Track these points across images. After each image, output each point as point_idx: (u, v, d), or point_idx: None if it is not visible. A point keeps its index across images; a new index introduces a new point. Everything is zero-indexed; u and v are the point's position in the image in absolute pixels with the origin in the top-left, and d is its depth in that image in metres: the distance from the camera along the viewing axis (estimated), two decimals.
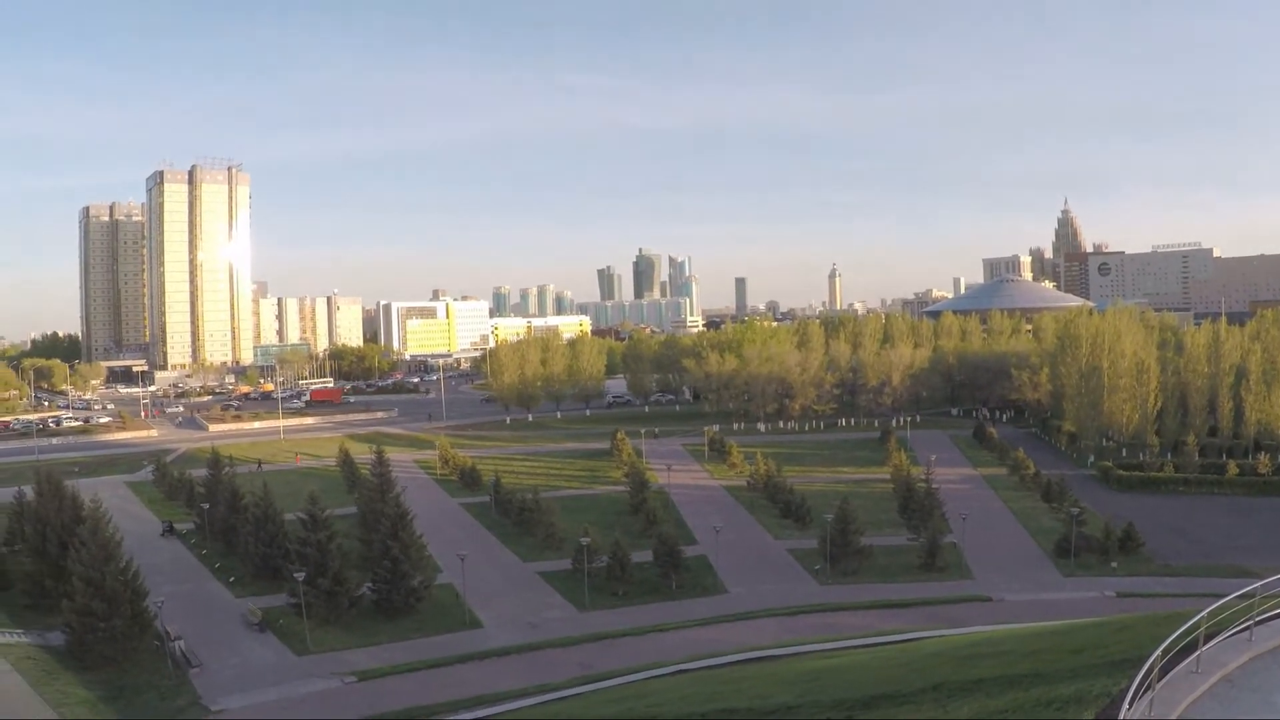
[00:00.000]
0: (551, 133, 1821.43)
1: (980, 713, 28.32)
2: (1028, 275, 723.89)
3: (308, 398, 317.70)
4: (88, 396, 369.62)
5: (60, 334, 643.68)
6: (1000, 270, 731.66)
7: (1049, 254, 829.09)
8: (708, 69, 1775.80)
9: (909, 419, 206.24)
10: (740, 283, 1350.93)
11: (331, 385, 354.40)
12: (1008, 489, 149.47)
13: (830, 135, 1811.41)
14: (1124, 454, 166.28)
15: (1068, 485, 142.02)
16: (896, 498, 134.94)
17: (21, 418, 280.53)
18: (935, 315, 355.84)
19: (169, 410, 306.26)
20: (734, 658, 65.32)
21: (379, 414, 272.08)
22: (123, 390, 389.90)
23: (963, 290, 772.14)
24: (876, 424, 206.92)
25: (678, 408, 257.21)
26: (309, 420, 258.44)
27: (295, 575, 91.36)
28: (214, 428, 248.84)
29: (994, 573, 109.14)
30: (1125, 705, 21.83)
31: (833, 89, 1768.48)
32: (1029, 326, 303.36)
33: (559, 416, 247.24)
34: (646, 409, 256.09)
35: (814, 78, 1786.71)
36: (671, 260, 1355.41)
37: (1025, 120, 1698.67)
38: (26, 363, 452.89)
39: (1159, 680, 22.37)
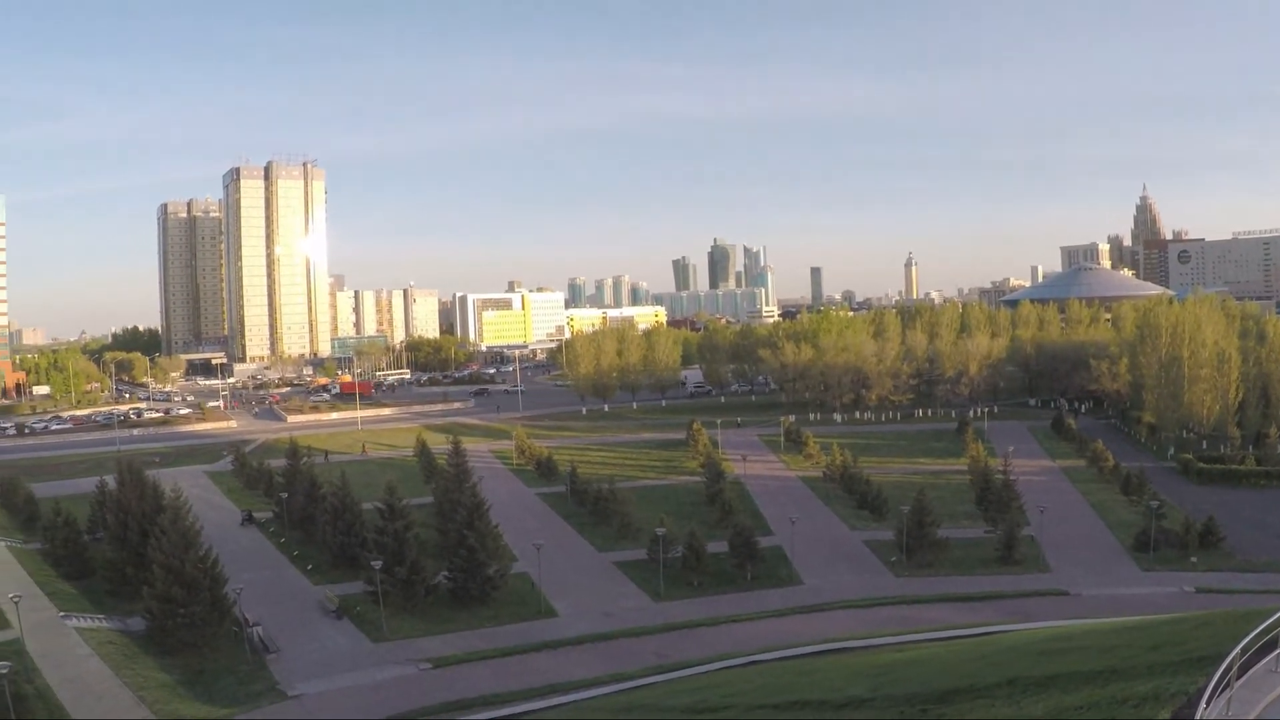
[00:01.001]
0: (625, 123, 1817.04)
1: (1055, 709, 28.02)
2: (1106, 263, 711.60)
3: (337, 390, 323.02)
4: (167, 389, 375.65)
5: (140, 328, 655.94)
6: (1078, 258, 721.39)
7: (1128, 241, 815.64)
8: (783, 55, 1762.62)
9: (986, 410, 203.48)
10: (815, 272, 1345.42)
11: (366, 382, 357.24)
12: (1086, 481, 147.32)
13: (906, 121, 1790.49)
14: (1204, 446, 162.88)
15: (1147, 478, 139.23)
16: (973, 489, 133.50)
17: (103, 410, 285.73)
18: (1013, 304, 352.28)
19: (256, 402, 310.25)
20: (808, 649, 65.04)
21: (455, 404, 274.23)
22: (202, 382, 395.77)
23: (1040, 278, 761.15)
24: (953, 415, 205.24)
25: (753, 398, 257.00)
26: (386, 411, 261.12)
27: (372, 563, 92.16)
28: (292, 419, 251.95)
29: (1071, 566, 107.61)
30: (1202, 704, 21.52)
31: (909, 74, 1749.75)
32: (1108, 315, 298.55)
33: (635, 407, 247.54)
34: (723, 399, 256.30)
35: (891, 63, 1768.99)
36: (747, 250, 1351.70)
37: (1104, 105, 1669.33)
38: (108, 356, 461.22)
39: (1237, 679, 22.01)
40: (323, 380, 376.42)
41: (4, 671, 64.21)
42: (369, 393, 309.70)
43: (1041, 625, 66.63)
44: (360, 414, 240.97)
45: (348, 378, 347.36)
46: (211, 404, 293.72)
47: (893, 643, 62.85)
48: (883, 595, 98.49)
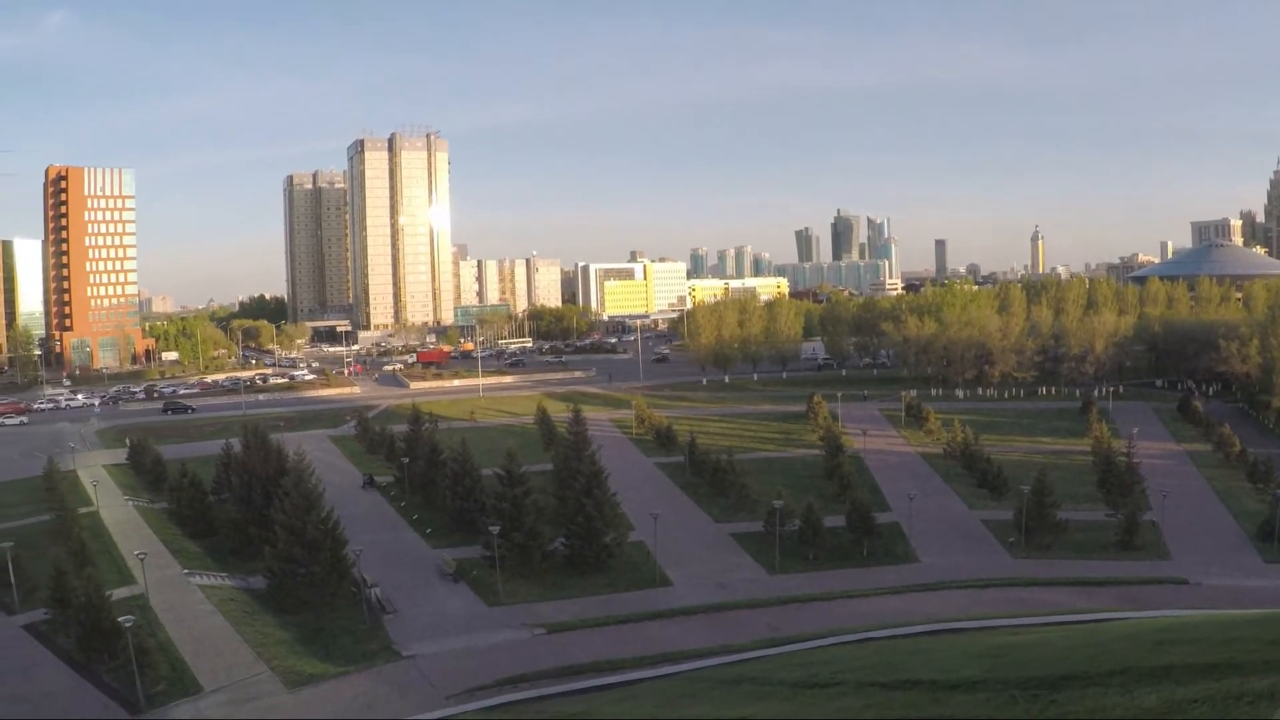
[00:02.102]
0: (748, 92, 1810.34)
1: (1168, 701, 27.58)
2: (1238, 240, 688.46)
3: (414, 358, 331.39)
4: (293, 355, 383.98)
5: (267, 296, 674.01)
6: (1209, 234, 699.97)
7: (1260, 217, 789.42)
8: (906, 24, 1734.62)
9: (1111, 389, 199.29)
10: (940, 245, 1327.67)
11: (440, 348, 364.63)
12: (1211, 467, 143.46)
13: (1033, 92, 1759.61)
14: None
15: (1275, 465, 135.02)
16: (1095, 471, 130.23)
17: (230, 375, 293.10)
18: (1140, 281, 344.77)
19: (384, 368, 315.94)
20: (921, 628, 64.55)
21: (577, 373, 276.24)
22: (327, 349, 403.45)
23: (1170, 254, 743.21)
24: (1078, 394, 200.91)
25: (875, 372, 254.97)
26: (508, 379, 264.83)
27: (490, 528, 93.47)
28: (415, 385, 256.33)
29: (1192, 554, 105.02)
30: None
31: (1035, 43, 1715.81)
32: (1239, 294, 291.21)
33: (755, 379, 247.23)
34: (844, 372, 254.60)
35: (1016, 31, 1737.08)
36: (870, 221, 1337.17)
37: (1240, 75, 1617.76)
38: (235, 323, 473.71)
39: None
40: (446, 348, 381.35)
41: (129, 625, 66.42)
42: (444, 361, 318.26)
43: (1159, 614, 65.52)
44: (482, 382, 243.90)
45: (425, 349, 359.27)
46: (337, 370, 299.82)
47: (1007, 625, 62.16)
48: (999, 576, 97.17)
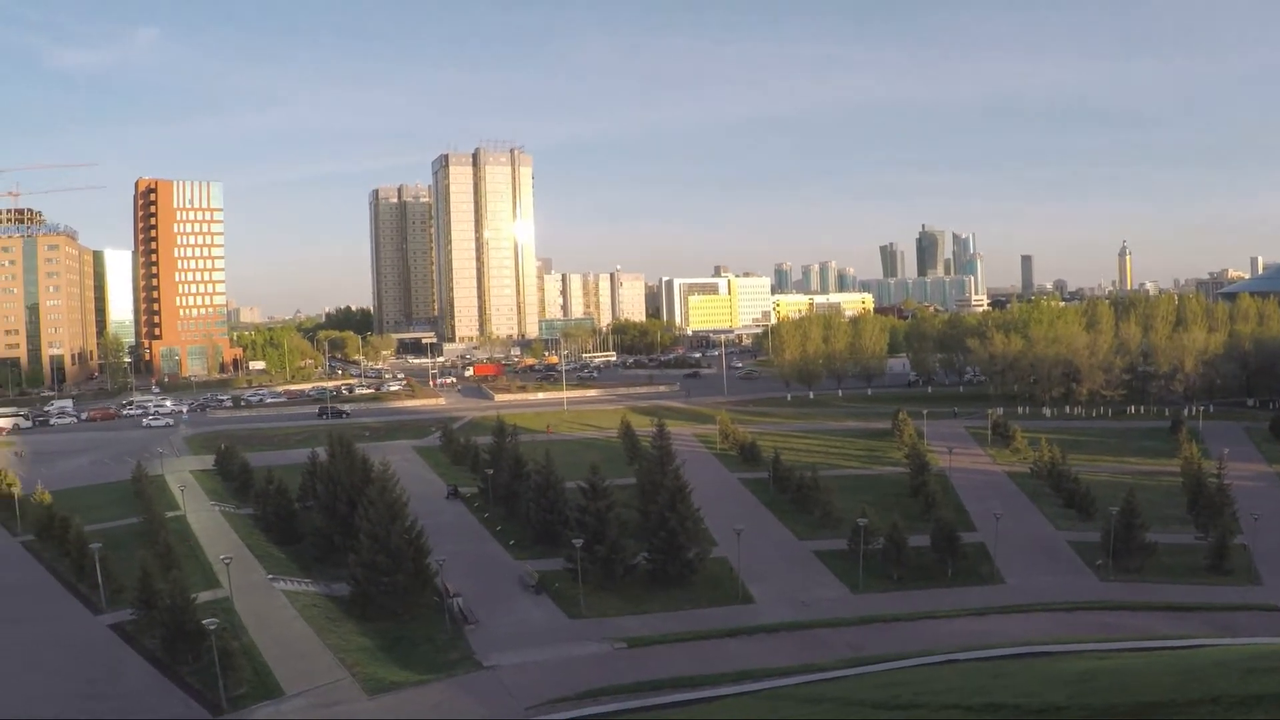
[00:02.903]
0: (833, 107, 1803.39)
1: None
2: None
3: (470, 372, 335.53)
4: (378, 366, 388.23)
5: (353, 307, 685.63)
6: None
7: None
8: (991, 38, 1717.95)
9: (1201, 408, 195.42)
10: (1026, 260, 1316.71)
11: (495, 363, 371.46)
12: None
13: (1121, 105, 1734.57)
14: None
15: None
16: (1185, 492, 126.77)
17: (317, 385, 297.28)
18: (1231, 297, 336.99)
19: (436, 380, 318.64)
20: (1005, 651, 63.99)
21: (660, 387, 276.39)
22: (412, 361, 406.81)
23: (1261, 270, 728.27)
24: (1166, 413, 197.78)
25: (960, 389, 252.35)
26: (592, 393, 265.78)
27: (574, 541, 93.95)
28: (499, 397, 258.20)
29: None
30: None
31: (1123, 55, 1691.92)
32: None
33: (840, 395, 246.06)
34: (929, 389, 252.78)
35: (1101, 46, 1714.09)
36: (955, 237, 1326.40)
37: None
38: (322, 334, 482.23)
39: None
40: (530, 361, 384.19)
41: (213, 627, 67.72)
42: (499, 374, 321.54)
43: (1249, 641, 64.41)
44: (566, 395, 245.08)
45: (479, 363, 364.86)
46: (445, 381, 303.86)
47: (1093, 650, 61.49)
48: (1085, 599, 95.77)
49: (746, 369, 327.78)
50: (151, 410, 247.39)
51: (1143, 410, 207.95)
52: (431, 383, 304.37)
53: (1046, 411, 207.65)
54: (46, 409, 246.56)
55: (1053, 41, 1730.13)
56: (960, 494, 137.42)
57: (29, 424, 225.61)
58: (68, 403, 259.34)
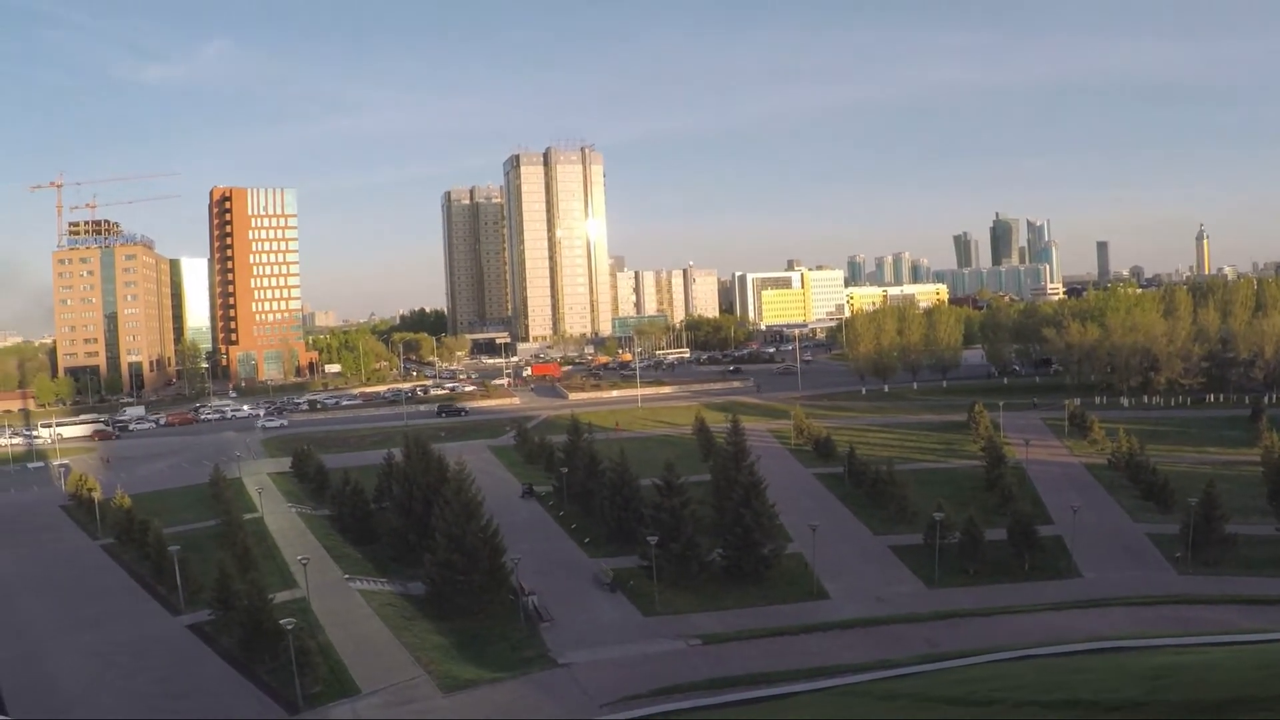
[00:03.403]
0: (902, 95, 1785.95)
1: None
2: None
3: (528, 372, 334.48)
4: (453, 367, 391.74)
5: (427, 309, 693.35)
6: None
7: None
8: (1063, 20, 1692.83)
9: None
10: (1102, 247, 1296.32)
11: (553, 362, 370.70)
12: None
13: (1194, 85, 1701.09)
14: None
15: None
16: (1266, 483, 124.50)
17: (392, 386, 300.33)
18: None
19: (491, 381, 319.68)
20: (1083, 646, 63.32)
21: (735, 383, 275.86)
22: (486, 361, 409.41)
23: None
24: (1247, 400, 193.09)
25: (1037, 379, 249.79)
26: (666, 389, 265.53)
27: (648, 539, 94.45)
28: (573, 396, 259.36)
29: None
30: None
31: (1195, 35, 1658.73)
32: None
33: (915, 387, 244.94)
34: (1005, 380, 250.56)
35: (1175, 22, 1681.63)
36: (1030, 224, 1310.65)
37: None
38: (396, 336, 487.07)
39: None
40: (604, 359, 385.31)
41: (290, 627, 68.74)
42: (557, 374, 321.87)
43: None
44: (640, 392, 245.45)
45: (538, 363, 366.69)
46: (496, 382, 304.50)
47: (1172, 644, 60.76)
48: (1164, 593, 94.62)
49: (805, 361, 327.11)
50: (229, 414, 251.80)
51: (1222, 399, 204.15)
52: (503, 383, 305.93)
53: (1124, 401, 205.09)
54: (119, 417, 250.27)
55: (1122, 21, 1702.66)
56: (1037, 486, 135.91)
57: (112, 430, 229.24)
58: (140, 409, 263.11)
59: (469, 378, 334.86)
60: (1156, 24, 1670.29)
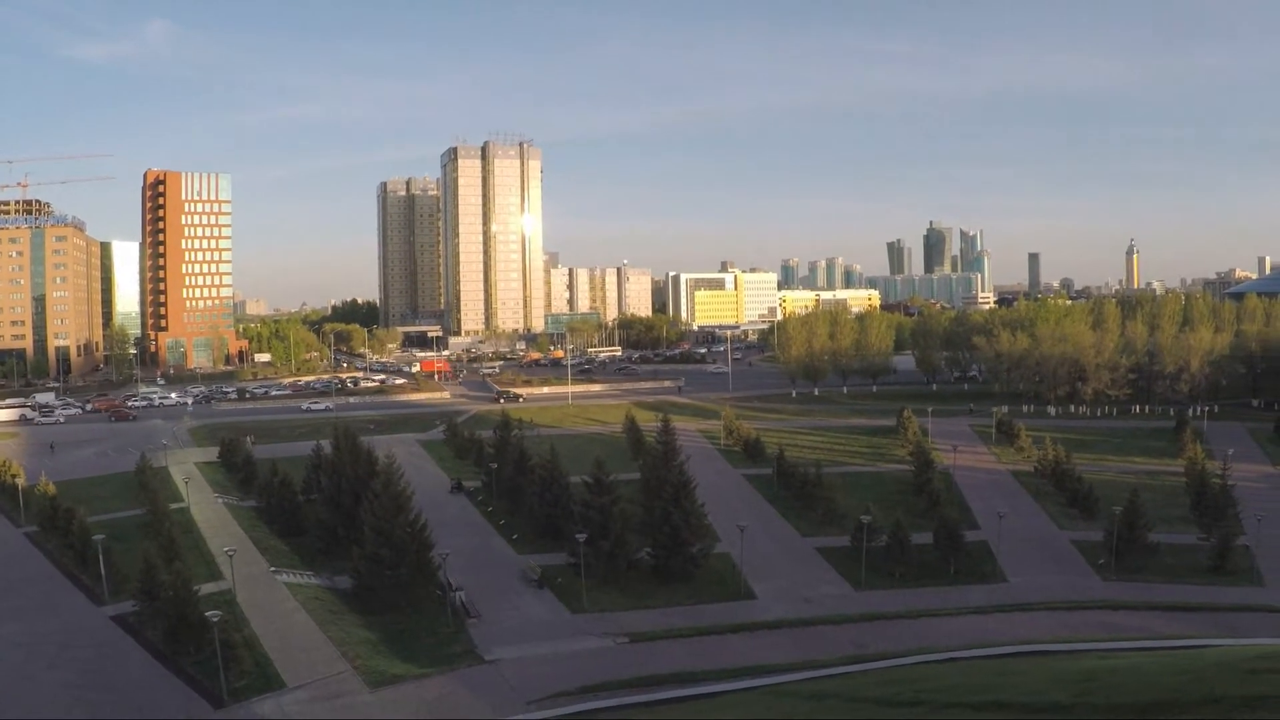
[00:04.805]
0: (840, 102, 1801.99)
1: None
2: None
3: (417, 368, 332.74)
4: (384, 360, 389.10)
5: (359, 300, 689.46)
6: None
7: None
8: (999, 32, 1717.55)
9: (1206, 409, 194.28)
10: (1033, 258, 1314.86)
11: (440, 358, 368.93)
12: None
13: (1129, 102, 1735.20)
14: None
15: None
16: (1189, 493, 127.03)
17: (321, 378, 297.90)
18: (1238, 297, 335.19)
19: (484, 373, 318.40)
20: (1008, 649, 63.91)
21: (666, 382, 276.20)
22: (418, 354, 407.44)
23: (1268, 270, 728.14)
24: (1172, 413, 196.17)
25: (966, 387, 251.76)
26: (596, 388, 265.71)
27: (577, 536, 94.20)
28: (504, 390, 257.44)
29: None
30: None
31: (1130, 52, 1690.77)
32: None
33: (845, 391, 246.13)
34: (934, 387, 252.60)
35: (1111, 40, 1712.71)
36: (963, 234, 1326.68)
37: None
38: (327, 327, 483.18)
39: None
40: (535, 355, 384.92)
41: (216, 619, 67.97)
42: (447, 371, 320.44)
43: (1251, 642, 64.25)
44: (570, 389, 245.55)
45: (426, 358, 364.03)
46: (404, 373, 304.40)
47: (1096, 649, 61.43)
48: (1088, 599, 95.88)
49: (747, 361, 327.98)
50: (156, 401, 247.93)
51: (1148, 410, 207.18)
52: (437, 377, 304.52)
53: (1051, 410, 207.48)
54: (29, 402, 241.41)
55: (1059, 35, 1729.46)
56: (964, 492, 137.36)
57: (35, 414, 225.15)
58: (50, 395, 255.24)
59: (399, 370, 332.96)
60: (1090, 39, 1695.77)
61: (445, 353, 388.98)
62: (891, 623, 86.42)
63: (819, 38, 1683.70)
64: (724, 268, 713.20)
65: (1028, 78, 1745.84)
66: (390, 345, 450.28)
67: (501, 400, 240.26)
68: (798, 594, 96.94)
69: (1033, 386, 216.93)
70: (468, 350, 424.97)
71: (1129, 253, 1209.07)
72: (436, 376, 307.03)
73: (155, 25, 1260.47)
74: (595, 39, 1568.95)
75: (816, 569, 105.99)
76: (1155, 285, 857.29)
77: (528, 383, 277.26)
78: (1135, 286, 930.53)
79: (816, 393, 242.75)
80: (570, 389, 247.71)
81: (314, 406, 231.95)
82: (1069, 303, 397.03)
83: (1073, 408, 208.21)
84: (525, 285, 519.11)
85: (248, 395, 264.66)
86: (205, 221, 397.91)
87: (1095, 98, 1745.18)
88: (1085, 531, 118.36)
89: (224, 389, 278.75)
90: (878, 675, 58.84)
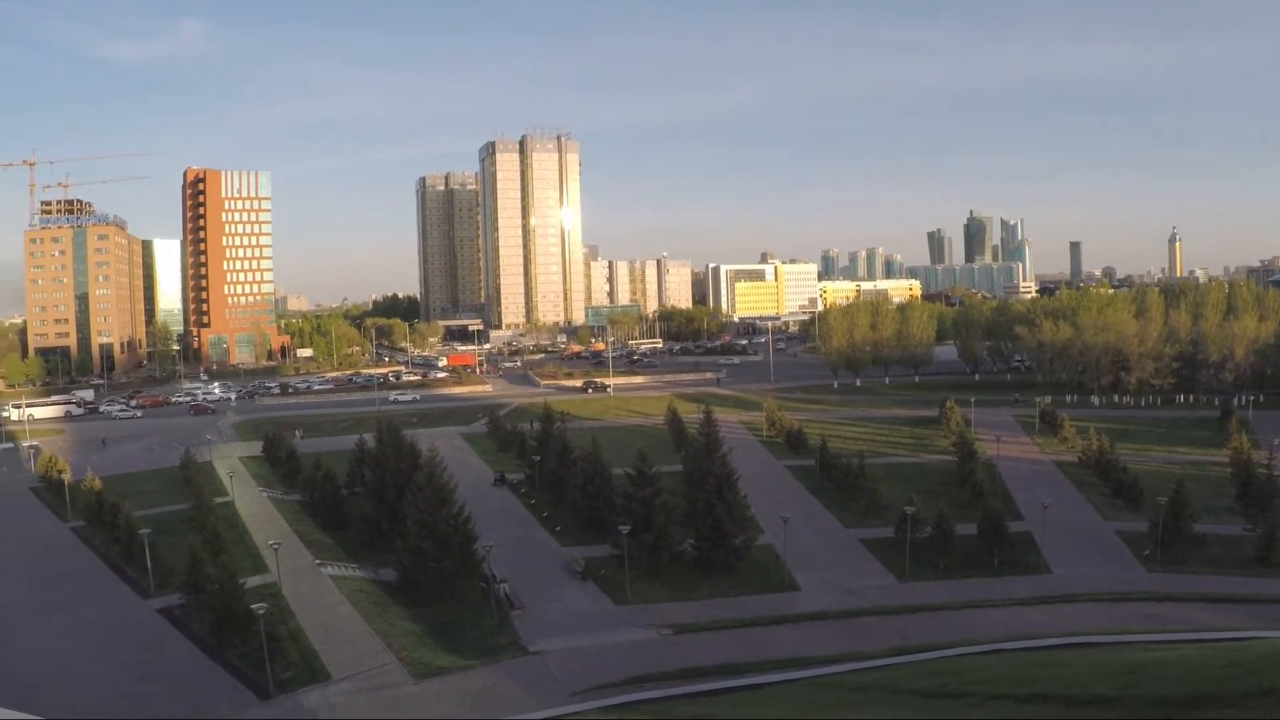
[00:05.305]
0: (882, 91, 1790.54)
1: None
2: None
3: (444, 361, 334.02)
4: (425, 353, 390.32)
5: (400, 295, 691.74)
6: None
7: None
8: (1042, 20, 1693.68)
9: (1251, 398, 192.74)
10: (1075, 247, 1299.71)
11: (468, 354, 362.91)
12: None
13: (1171, 89, 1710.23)
14: None
15: None
16: (1234, 483, 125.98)
17: (363, 372, 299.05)
18: None
19: (510, 366, 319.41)
20: (1053, 641, 63.61)
21: (707, 374, 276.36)
22: (459, 348, 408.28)
23: None
24: (1216, 402, 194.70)
25: (1009, 377, 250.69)
26: (638, 379, 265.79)
27: (620, 528, 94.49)
28: (545, 384, 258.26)
29: None
30: None
31: (1174, 37, 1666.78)
32: None
33: (887, 382, 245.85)
34: (977, 377, 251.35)
35: (1159, 23, 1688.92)
36: (1004, 223, 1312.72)
37: None
38: (369, 321, 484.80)
39: None
40: (576, 347, 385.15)
41: (261, 612, 68.50)
42: (472, 364, 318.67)
43: None
44: (612, 381, 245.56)
45: (456, 353, 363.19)
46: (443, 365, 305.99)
47: (1141, 641, 61.11)
48: (1133, 590, 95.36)
49: (792, 352, 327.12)
50: (200, 397, 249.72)
51: (1192, 399, 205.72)
52: (479, 370, 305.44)
53: (1095, 400, 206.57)
54: (61, 398, 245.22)
55: (1101, 23, 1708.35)
56: (1007, 483, 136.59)
57: (81, 411, 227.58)
58: (89, 393, 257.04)
59: (439, 365, 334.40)
60: (1133, 26, 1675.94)
61: (474, 346, 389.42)
62: (935, 614, 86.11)
63: (857, 28, 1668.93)
64: (764, 259, 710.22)
65: (1068, 66, 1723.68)
66: (431, 339, 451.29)
67: (590, 390, 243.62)
68: (841, 585, 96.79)
69: (1076, 376, 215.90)
70: (508, 343, 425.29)
71: (1171, 241, 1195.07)
72: (478, 370, 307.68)
73: (188, 24, 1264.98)
74: (633, 29, 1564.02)
75: (860, 560, 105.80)
76: (1198, 273, 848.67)
77: (569, 375, 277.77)
78: (1178, 275, 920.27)
79: (858, 384, 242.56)
80: (612, 381, 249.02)
81: (400, 398, 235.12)
82: (1111, 291, 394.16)
83: (1116, 397, 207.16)
84: (565, 278, 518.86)
85: (290, 390, 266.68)
86: (245, 218, 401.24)
87: (1136, 85, 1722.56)
88: (1130, 522, 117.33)
89: (267, 384, 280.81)
90: (921, 667, 58.74)
